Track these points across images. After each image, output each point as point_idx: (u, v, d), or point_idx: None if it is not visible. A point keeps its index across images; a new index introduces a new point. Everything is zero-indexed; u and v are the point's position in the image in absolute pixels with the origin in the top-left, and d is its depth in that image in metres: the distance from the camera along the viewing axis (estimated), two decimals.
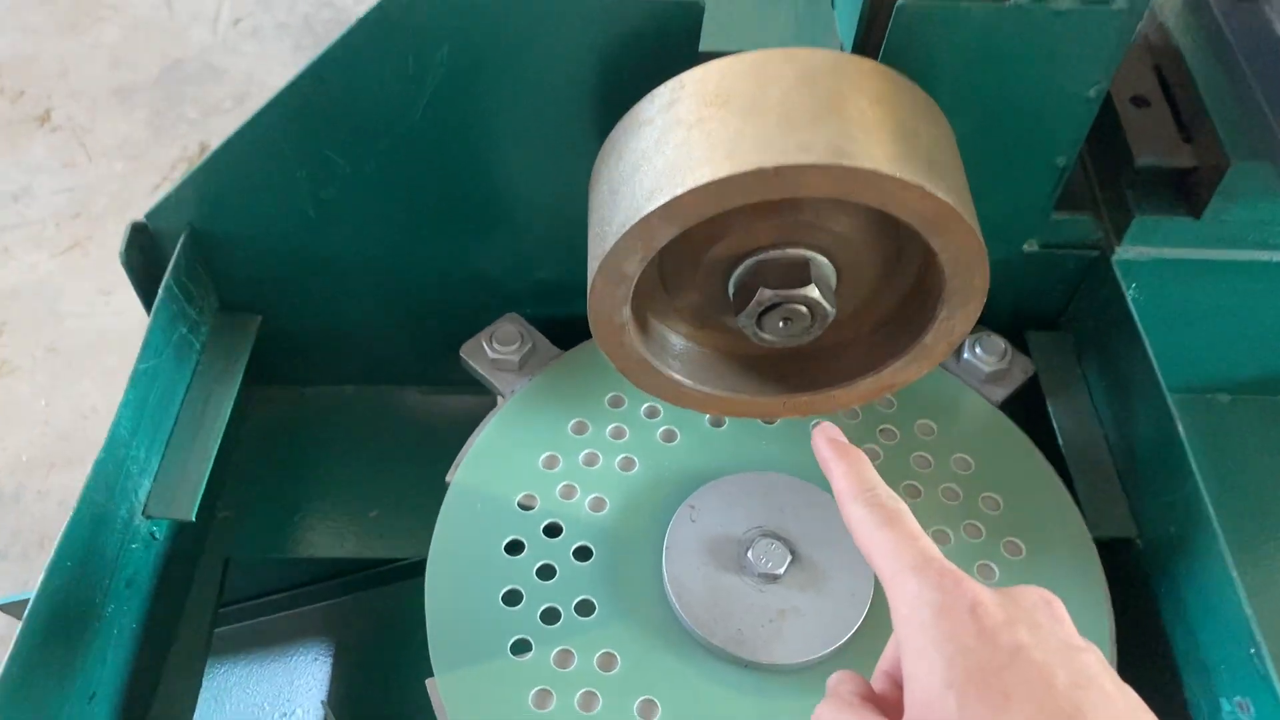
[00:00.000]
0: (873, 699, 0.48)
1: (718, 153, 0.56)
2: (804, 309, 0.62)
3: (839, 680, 0.49)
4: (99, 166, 2.06)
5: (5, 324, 1.84)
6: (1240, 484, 0.89)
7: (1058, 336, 0.84)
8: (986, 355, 0.80)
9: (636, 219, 0.57)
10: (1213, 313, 0.83)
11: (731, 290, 0.64)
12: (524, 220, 0.78)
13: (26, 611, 0.59)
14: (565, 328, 0.80)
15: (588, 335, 0.66)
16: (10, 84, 2.19)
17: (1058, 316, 0.85)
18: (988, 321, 0.81)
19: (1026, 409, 0.81)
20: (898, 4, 0.63)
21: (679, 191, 0.56)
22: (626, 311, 0.63)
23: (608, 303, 0.62)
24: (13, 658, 0.59)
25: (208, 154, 0.73)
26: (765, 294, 0.62)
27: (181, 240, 0.75)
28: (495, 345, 0.79)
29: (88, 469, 0.67)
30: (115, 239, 1.93)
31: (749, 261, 0.63)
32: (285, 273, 0.80)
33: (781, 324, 0.63)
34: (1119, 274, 0.77)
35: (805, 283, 0.62)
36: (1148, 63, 0.81)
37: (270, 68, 2.22)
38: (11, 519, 1.66)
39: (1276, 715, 0.60)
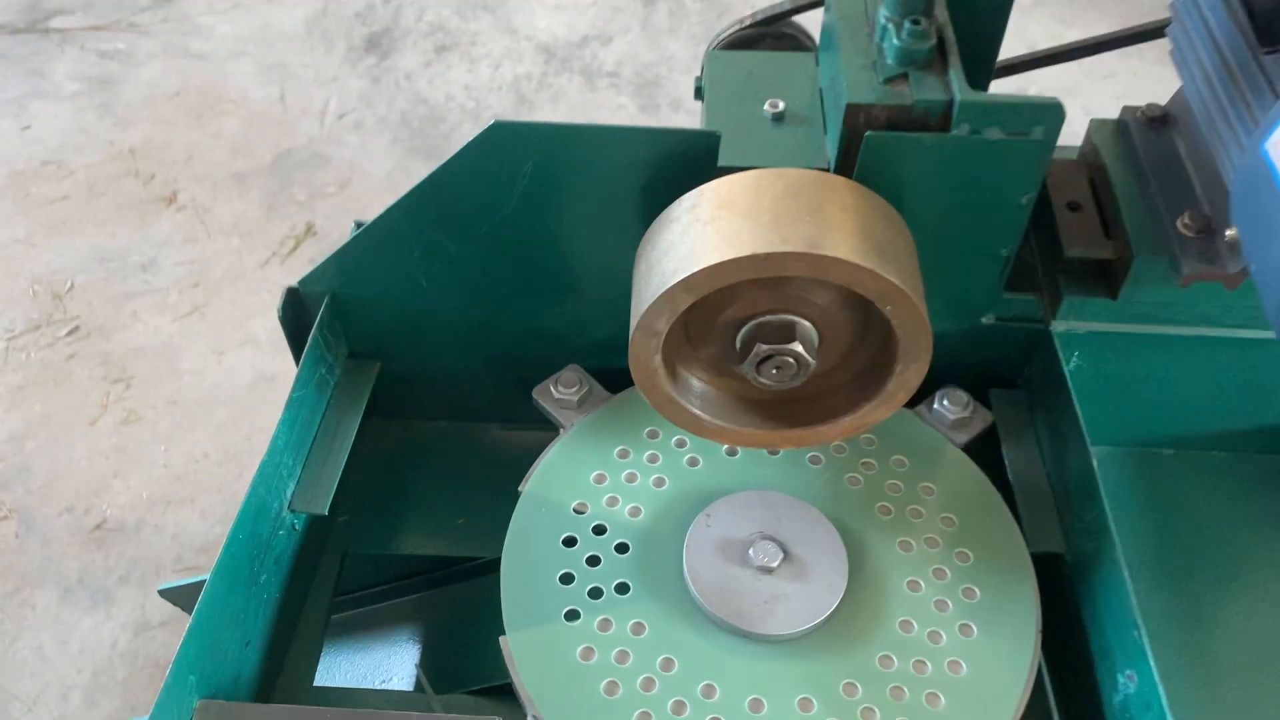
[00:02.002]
0: None
1: (723, 243, 0.78)
2: (791, 360, 0.83)
3: None
4: (216, 242, 2.34)
5: (134, 378, 2.10)
6: (1178, 525, 1.06)
7: (1015, 394, 1.04)
8: (952, 406, 0.99)
9: (664, 289, 0.79)
10: (1141, 378, 1.02)
11: (738, 345, 0.85)
12: (585, 290, 1.00)
13: (215, 565, 0.81)
14: (616, 377, 1.01)
15: (633, 384, 0.87)
16: (143, 168, 2.49)
17: (1017, 378, 1.05)
18: (958, 380, 1.01)
19: (988, 452, 1.00)
20: (865, 135, 0.85)
21: (695, 269, 0.78)
22: (658, 360, 0.84)
23: (643, 352, 0.84)
24: (202, 602, 0.80)
25: (350, 236, 0.96)
26: (761, 348, 0.83)
27: (325, 302, 0.99)
28: (560, 388, 1.01)
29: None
30: (229, 306, 2.22)
31: (750, 323, 0.84)
32: (400, 328, 1.03)
33: (775, 371, 0.84)
34: (1057, 345, 0.97)
35: (792, 340, 0.83)
36: (1084, 174, 1.01)
37: (370, 156, 2.50)
38: (132, 549, 1.88)
39: (1151, 683, 0.78)
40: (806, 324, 0.84)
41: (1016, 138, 0.84)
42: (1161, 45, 1.00)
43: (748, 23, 1.07)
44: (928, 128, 0.85)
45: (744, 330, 0.85)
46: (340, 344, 1.03)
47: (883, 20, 0.88)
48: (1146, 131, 0.98)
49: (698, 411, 0.89)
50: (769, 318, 0.84)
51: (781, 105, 0.96)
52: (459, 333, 1.04)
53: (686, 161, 0.87)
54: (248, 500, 0.86)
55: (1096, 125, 1.02)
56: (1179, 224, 0.89)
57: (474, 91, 2.71)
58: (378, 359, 1.05)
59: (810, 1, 1.06)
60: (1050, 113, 0.83)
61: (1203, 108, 0.87)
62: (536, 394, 1.02)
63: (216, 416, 2.03)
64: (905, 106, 0.85)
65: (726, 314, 0.85)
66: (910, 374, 0.85)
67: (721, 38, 1.10)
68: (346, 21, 2.91)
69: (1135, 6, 2.68)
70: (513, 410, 1.09)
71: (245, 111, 2.64)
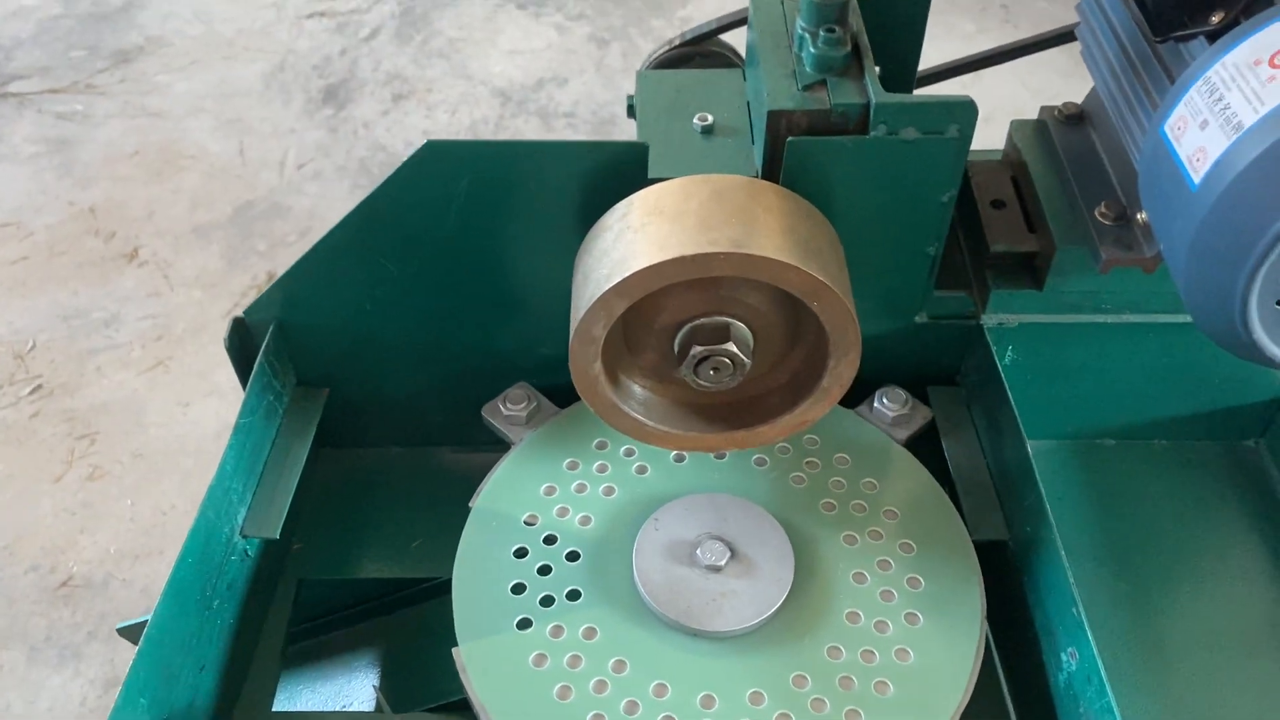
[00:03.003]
0: None
1: (653, 247, 0.80)
2: (727, 360, 0.85)
3: None
4: (179, 295, 2.35)
5: (98, 434, 2.09)
6: (1120, 512, 1.08)
7: (953, 391, 1.06)
8: (891, 404, 1.02)
9: (598, 295, 0.81)
10: (1075, 369, 1.04)
11: (675, 348, 0.87)
12: (530, 307, 1.02)
13: (164, 589, 0.82)
14: (566, 392, 1.03)
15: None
16: (104, 226, 2.50)
17: (955, 375, 1.07)
18: (897, 379, 1.04)
19: (930, 449, 1.02)
20: (788, 140, 0.87)
21: (627, 274, 0.80)
22: (598, 366, 0.86)
23: (583, 360, 0.85)
24: (152, 624, 0.81)
25: (288, 268, 0.98)
26: (698, 350, 0.85)
27: (270, 330, 1.00)
28: (508, 405, 1.02)
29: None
30: (194, 358, 2.22)
31: (686, 326, 0.86)
32: (347, 354, 1.04)
33: (712, 372, 0.86)
34: (990, 339, 0.99)
35: (726, 341, 0.85)
36: (1007, 173, 1.04)
37: (330, 204, 2.53)
38: (100, 604, 1.87)
39: (1091, 658, 0.79)
40: (740, 325, 0.86)
41: (932, 136, 0.87)
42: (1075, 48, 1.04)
43: (676, 43, 1.11)
44: (847, 131, 0.88)
45: (680, 334, 0.87)
46: (287, 372, 1.04)
47: (800, 31, 0.91)
48: (1064, 129, 1.02)
49: (641, 417, 0.90)
50: (703, 320, 0.86)
51: (710, 118, 0.99)
52: (406, 356, 1.05)
53: (619, 173, 0.89)
54: (196, 524, 0.87)
55: (1017, 125, 1.06)
56: (1096, 213, 0.92)
57: (432, 136, 2.74)
58: (326, 386, 1.06)
59: (735, 20, 1.09)
60: (963, 110, 0.86)
61: (1112, 101, 0.90)
62: (486, 412, 1.03)
63: (183, 467, 2.03)
64: (824, 111, 0.87)
65: (662, 319, 0.87)
66: (843, 369, 0.87)
67: (652, 58, 1.14)
68: (303, 75, 2.95)
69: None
70: (464, 432, 1.10)
71: (204, 166, 2.66)
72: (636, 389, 0.93)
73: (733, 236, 0.80)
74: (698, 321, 0.86)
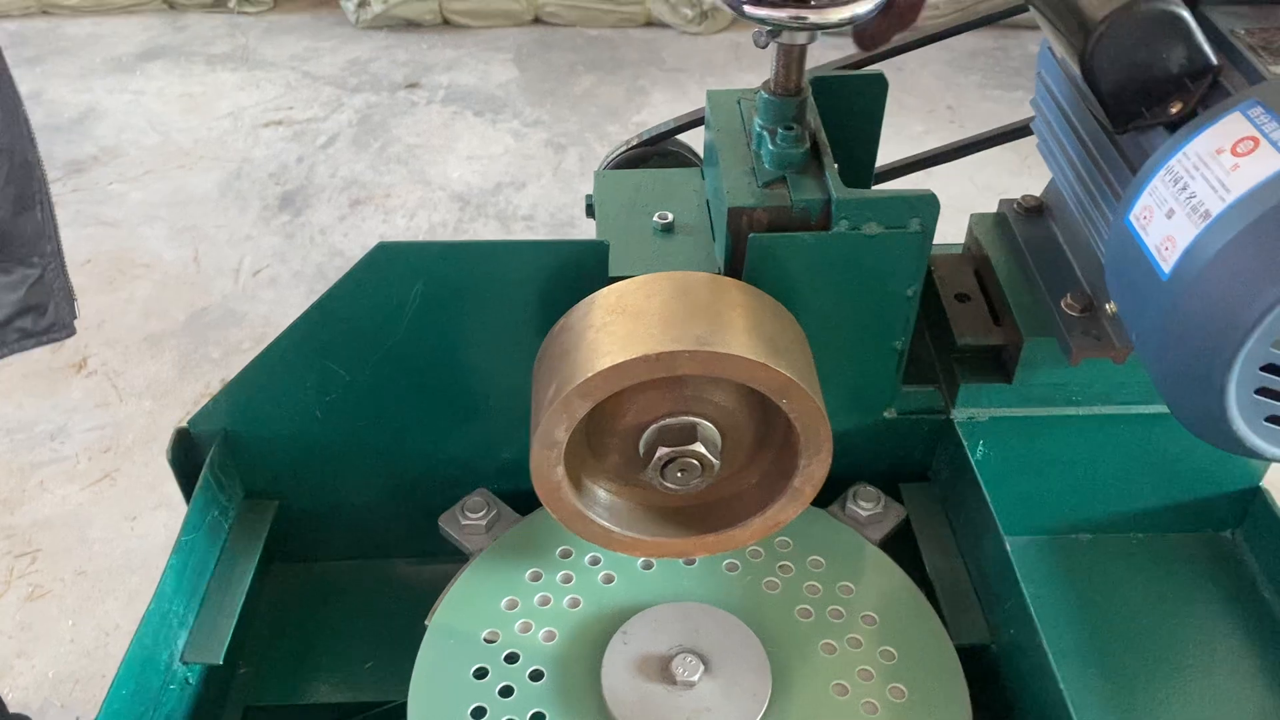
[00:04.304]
0: None
1: (615, 346, 0.78)
2: (695, 462, 0.82)
3: None
4: (129, 405, 2.29)
5: (40, 551, 2.01)
6: (1102, 609, 1.05)
7: (926, 487, 1.03)
8: (864, 504, 0.98)
9: (560, 396, 0.78)
10: (1048, 462, 1.02)
11: (640, 450, 0.84)
12: (488, 411, 0.98)
13: None
14: (527, 498, 0.99)
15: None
16: None
17: (926, 471, 1.04)
18: (868, 477, 1.01)
19: (904, 547, 0.99)
20: (749, 237, 0.86)
21: (590, 373, 0.77)
22: (560, 471, 0.82)
23: (545, 465, 0.82)
24: None
25: (238, 373, 0.94)
26: (663, 451, 0.82)
27: (217, 442, 0.96)
28: (466, 514, 0.98)
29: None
30: (142, 469, 2.15)
31: (652, 428, 0.83)
32: (298, 464, 1.00)
33: (679, 474, 0.83)
34: (961, 434, 0.97)
35: (694, 441, 0.82)
36: (970, 268, 1.03)
37: (285, 310, 2.49)
38: None
39: None
40: (707, 424, 0.83)
41: (895, 231, 0.86)
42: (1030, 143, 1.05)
43: (634, 143, 1.10)
44: (809, 227, 0.87)
45: (645, 435, 0.83)
46: (234, 484, 1.00)
47: (758, 129, 0.90)
48: (1024, 221, 1.01)
49: (606, 524, 0.87)
50: (669, 421, 0.83)
51: (670, 216, 0.98)
52: (359, 464, 1.01)
53: (579, 272, 0.87)
54: (131, 651, 0.81)
55: (977, 219, 1.05)
56: (1063, 305, 0.91)
57: (388, 239, 2.73)
58: (275, 498, 1.02)
59: (691, 121, 1.09)
60: (925, 204, 0.85)
61: (1072, 192, 0.90)
62: (443, 521, 0.99)
63: (129, 585, 1.95)
64: (784, 208, 0.86)
65: (626, 420, 0.84)
66: (815, 468, 0.84)
67: (610, 159, 1.13)
68: (260, 182, 2.95)
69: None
70: (421, 543, 1.06)
71: (158, 274, 2.63)
72: (601, 494, 0.89)
73: (698, 334, 0.77)
74: (664, 422, 0.83)
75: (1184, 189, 0.67)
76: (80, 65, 3.58)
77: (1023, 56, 3.55)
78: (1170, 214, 0.68)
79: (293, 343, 0.91)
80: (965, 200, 2.76)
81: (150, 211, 2.83)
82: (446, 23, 3.74)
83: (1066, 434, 0.99)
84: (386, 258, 0.86)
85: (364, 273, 0.87)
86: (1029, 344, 0.92)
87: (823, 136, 0.90)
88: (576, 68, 3.54)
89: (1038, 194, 1.04)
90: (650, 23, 3.75)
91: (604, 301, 0.82)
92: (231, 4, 3.87)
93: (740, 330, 0.79)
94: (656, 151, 1.07)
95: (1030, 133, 1.06)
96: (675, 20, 3.69)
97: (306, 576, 1.08)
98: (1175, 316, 0.66)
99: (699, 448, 0.82)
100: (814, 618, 0.91)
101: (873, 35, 0.86)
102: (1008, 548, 0.87)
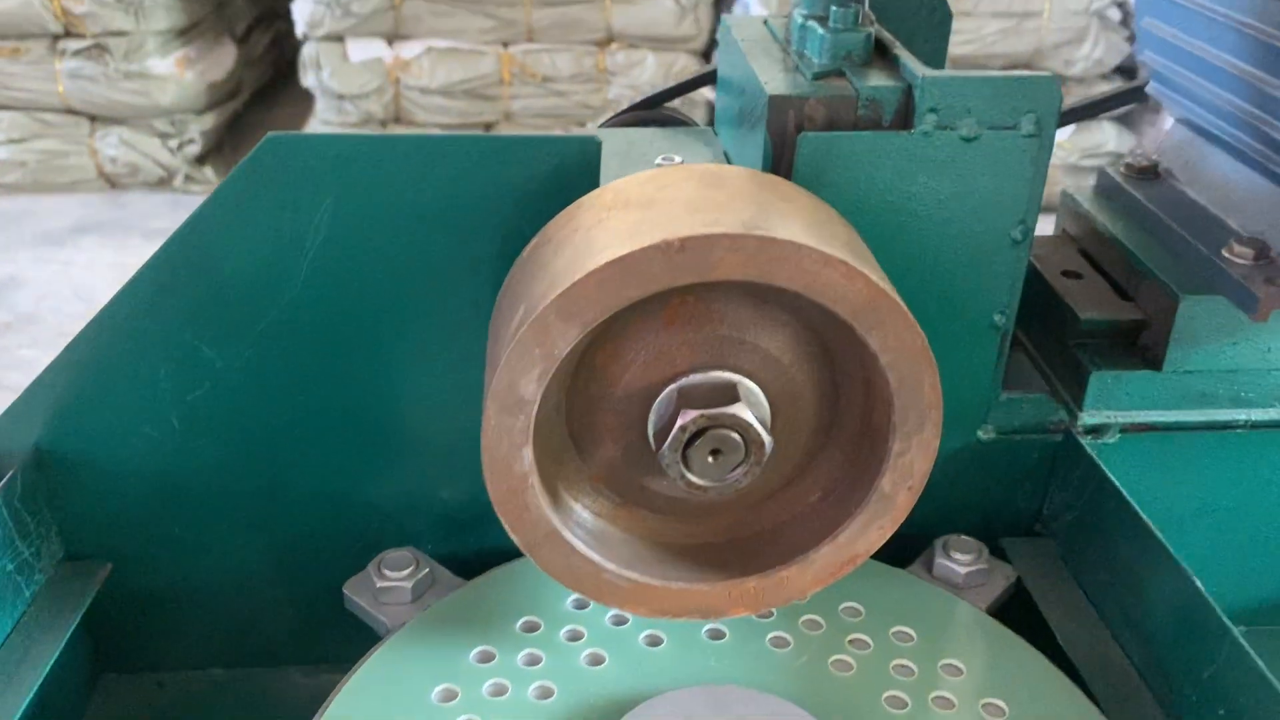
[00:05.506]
0: None
1: (619, 238, 0.51)
2: (736, 435, 0.53)
3: None
4: None
5: None
6: None
7: (1037, 542, 0.74)
8: (960, 555, 0.69)
9: (531, 319, 0.50)
10: (1211, 501, 0.73)
11: (651, 429, 0.55)
12: (420, 429, 0.69)
13: None
14: (472, 560, 0.69)
15: (496, 566, 0.56)
16: None
17: (1034, 521, 0.75)
18: (958, 526, 0.72)
19: (1014, 620, 0.69)
20: (800, 137, 0.61)
21: (577, 277, 0.49)
22: (528, 456, 0.53)
23: (504, 441, 0.53)
24: None
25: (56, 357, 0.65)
26: (689, 415, 0.53)
27: (22, 461, 0.65)
28: (384, 572, 0.67)
29: None
30: None
31: (668, 389, 0.55)
32: (144, 505, 0.68)
33: (712, 459, 0.54)
34: (1093, 452, 0.69)
35: (734, 400, 0.53)
36: (1072, 248, 0.79)
37: None
38: None
39: None
40: (752, 385, 0.55)
41: (1002, 131, 0.61)
42: None
43: (626, 108, 0.88)
44: (881, 126, 0.62)
45: (659, 401, 0.55)
46: (48, 535, 0.67)
47: (800, 22, 0.67)
48: (1142, 184, 0.77)
49: (593, 555, 0.56)
50: (695, 378, 0.55)
51: (678, 159, 0.73)
52: (230, 510, 0.69)
53: (558, 176, 0.61)
54: None
55: (1067, 197, 0.82)
56: (1228, 255, 0.66)
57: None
58: (107, 559, 0.69)
59: (696, 78, 0.88)
60: (1043, 91, 0.61)
61: (1237, 123, 0.67)
62: (349, 589, 0.67)
63: None
64: (848, 99, 0.62)
65: (629, 379, 0.55)
66: (915, 455, 0.55)
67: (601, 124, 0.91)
68: None
69: None
70: (319, 642, 0.73)
71: None
72: (587, 515, 0.59)
73: (743, 218, 0.51)
74: (687, 380, 0.54)
75: None
76: (7, 238, 3.41)
77: None
78: None
79: (136, 306, 0.63)
80: None
81: None
82: None
83: (1246, 449, 0.71)
84: (277, 159, 0.59)
85: (244, 182, 0.59)
86: (1186, 303, 0.66)
87: (885, 34, 0.67)
88: None
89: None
90: None
91: (595, 200, 0.56)
92: (177, 182, 3.74)
93: (800, 222, 0.53)
94: (654, 119, 0.84)
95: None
96: None
97: (155, 693, 0.74)
98: None
99: (742, 411, 0.53)
100: (910, 708, 0.60)
101: None
102: (1197, 583, 0.58)
